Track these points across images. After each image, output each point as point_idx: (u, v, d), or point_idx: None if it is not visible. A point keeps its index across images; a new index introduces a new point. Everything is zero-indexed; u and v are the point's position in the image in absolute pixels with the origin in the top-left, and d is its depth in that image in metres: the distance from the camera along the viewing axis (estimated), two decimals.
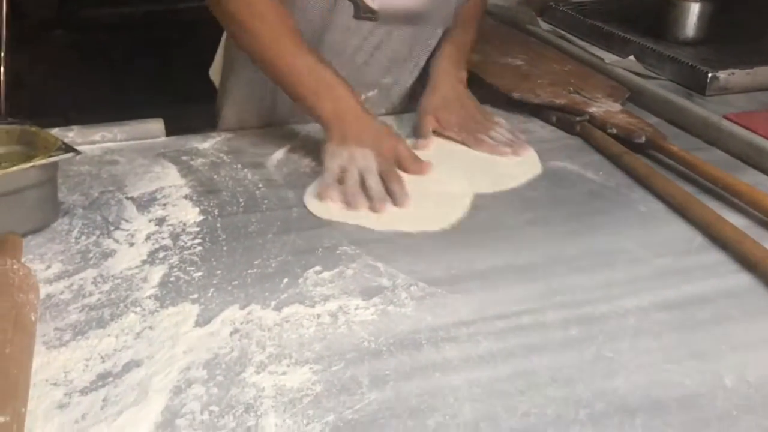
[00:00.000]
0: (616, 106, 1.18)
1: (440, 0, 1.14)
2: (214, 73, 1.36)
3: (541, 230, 0.88)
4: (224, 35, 1.31)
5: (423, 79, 1.21)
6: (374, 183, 0.93)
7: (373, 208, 0.90)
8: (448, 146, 1.10)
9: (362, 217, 0.89)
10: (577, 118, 1.14)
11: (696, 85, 1.28)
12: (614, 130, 1.10)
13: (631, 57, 1.37)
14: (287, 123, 1.18)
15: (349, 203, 0.91)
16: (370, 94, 1.21)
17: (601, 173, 1.02)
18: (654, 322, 0.71)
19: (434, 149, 1.08)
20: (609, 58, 1.40)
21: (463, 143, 1.09)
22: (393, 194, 0.92)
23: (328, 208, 0.91)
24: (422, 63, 1.22)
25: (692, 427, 0.59)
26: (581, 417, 0.59)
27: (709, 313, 0.73)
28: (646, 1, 1.67)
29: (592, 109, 1.16)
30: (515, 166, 1.03)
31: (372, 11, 1.11)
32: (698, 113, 1.16)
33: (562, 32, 1.59)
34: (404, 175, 0.96)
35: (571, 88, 1.25)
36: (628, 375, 0.64)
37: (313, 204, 0.92)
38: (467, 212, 0.91)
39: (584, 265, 0.80)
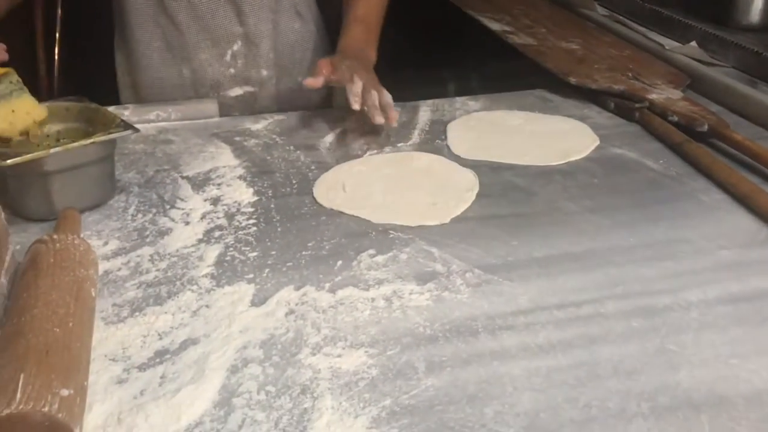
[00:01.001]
0: (677, 93, 1.15)
1: None
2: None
3: (600, 218, 0.85)
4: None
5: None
6: None
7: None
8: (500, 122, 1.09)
9: (362, 209, 0.87)
10: (637, 105, 1.11)
11: (761, 72, 1.23)
12: (675, 118, 1.06)
13: (693, 43, 1.33)
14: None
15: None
16: (235, 48, 1.21)
17: (661, 161, 0.99)
18: (718, 315, 0.69)
19: (487, 129, 1.07)
20: (669, 44, 1.36)
21: (338, 81, 1.05)
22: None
23: (331, 198, 0.89)
24: (277, 7, 1.21)
25: (761, 425, 0.57)
26: (644, 410, 0.58)
27: None
28: None
29: (652, 96, 1.13)
30: (574, 138, 1.04)
31: None
32: (763, 101, 1.12)
33: (620, 17, 1.55)
34: (408, 165, 0.98)
35: (630, 74, 1.22)
36: (692, 369, 0.62)
37: (318, 193, 0.91)
38: (470, 205, 0.88)
39: (645, 256, 0.78)
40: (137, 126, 1.06)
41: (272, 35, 1.23)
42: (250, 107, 1.25)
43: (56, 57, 2.06)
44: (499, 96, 1.21)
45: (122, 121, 0.86)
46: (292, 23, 1.25)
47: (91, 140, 0.81)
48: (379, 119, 1.00)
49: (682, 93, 1.16)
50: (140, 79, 1.24)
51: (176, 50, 1.20)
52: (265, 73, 1.25)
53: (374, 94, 1.02)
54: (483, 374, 0.61)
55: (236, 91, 1.24)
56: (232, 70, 1.22)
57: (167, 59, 1.21)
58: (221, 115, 1.14)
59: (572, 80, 1.18)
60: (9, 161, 0.77)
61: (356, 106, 1.01)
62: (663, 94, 1.14)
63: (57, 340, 0.54)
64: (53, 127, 0.91)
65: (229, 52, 1.21)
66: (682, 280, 0.74)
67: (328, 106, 1.28)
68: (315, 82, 1.04)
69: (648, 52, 1.36)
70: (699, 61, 1.29)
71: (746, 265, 0.77)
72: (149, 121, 1.10)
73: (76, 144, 0.80)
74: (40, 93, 2.14)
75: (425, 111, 1.15)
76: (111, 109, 1.10)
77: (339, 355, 0.63)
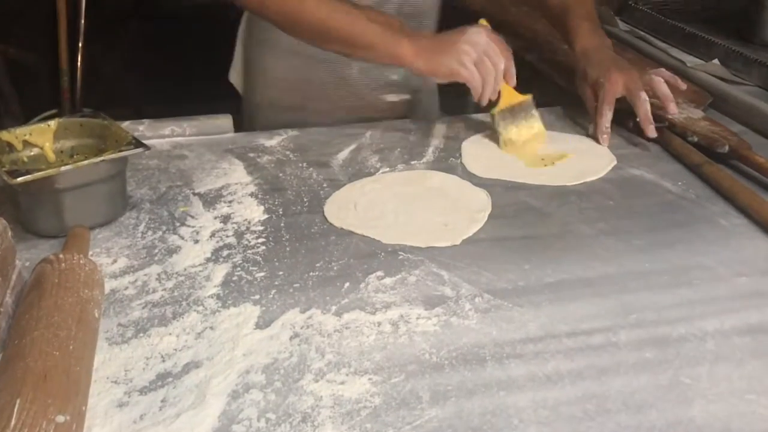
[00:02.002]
0: (698, 113, 1.12)
1: None
2: (235, 76, 1.34)
3: (615, 242, 0.84)
4: (239, 38, 1.30)
5: None
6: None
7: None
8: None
9: (373, 229, 0.85)
10: (656, 125, 1.09)
11: None
12: (695, 138, 1.04)
13: (715, 60, 1.31)
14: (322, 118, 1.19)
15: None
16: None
17: (680, 183, 0.97)
18: (735, 347, 0.67)
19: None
20: (691, 61, 1.34)
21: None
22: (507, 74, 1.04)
23: (342, 217, 0.88)
24: (435, 18, 1.24)
25: None
26: None
27: None
28: (732, 2, 1.59)
29: (672, 115, 1.10)
30: (591, 158, 1.04)
31: None
32: None
33: (641, 33, 1.53)
34: (421, 184, 0.97)
35: (650, 92, 1.19)
36: (706, 404, 0.60)
37: (329, 211, 0.90)
38: (482, 226, 0.87)
39: (660, 282, 0.76)
40: (151, 141, 1.07)
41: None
42: (403, 113, 1.26)
43: (79, 69, 2.09)
44: None
45: (134, 138, 0.86)
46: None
47: (101, 158, 0.81)
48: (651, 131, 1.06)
49: (704, 112, 1.13)
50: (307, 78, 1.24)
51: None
52: (426, 81, 1.27)
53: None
54: (488, 405, 0.60)
55: (392, 98, 1.26)
56: (395, 77, 1.23)
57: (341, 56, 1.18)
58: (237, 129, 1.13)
59: None
60: (19, 179, 0.77)
61: (651, 131, 1.07)
62: (683, 113, 1.11)
63: (56, 364, 0.54)
64: (67, 143, 0.92)
65: None
66: (698, 308, 0.72)
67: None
68: (648, 125, 1.07)
69: (669, 69, 1.33)
70: (721, 78, 1.27)
71: (765, 293, 0.75)
72: (164, 137, 1.10)
73: (86, 162, 0.80)
74: (62, 105, 2.18)
75: (440, 128, 1.14)
76: (126, 123, 1.11)
77: (342, 382, 0.62)
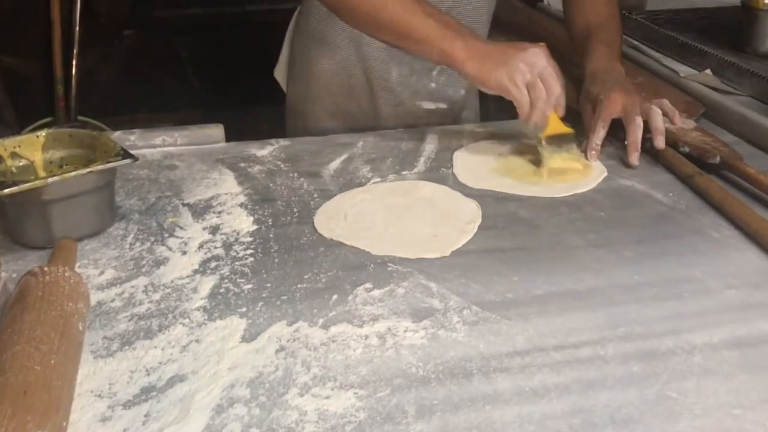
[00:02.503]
0: (690, 123, 1.12)
1: None
2: (280, 72, 1.36)
3: (605, 253, 0.83)
4: (288, 34, 1.32)
5: None
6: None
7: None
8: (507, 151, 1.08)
9: (362, 239, 0.85)
10: (648, 135, 1.09)
11: None
12: (687, 149, 1.04)
13: (708, 70, 1.31)
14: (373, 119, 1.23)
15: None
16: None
17: (671, 194, 0.97)
18: (723, 361, 0.66)
19: (494, 158, 1.06)
20: (684, 70, 1.34)
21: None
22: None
23: (332, 228, 0.88)
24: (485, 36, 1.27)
25: None
26: None
27: None
28: (725, 12, 1.59)
29: (664, 126, 1.10)
30: (582, 170, 1.04)
31: None
32: None
33: (635, 42, 1.53)
34: (411, 195, 0.96)
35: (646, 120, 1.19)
36: (693, 419, 0.60)
37: (318, 222, 0.89)
38: (472, 238, 0.86)
39: (649, 295, 0.76)
40: (142, 151, 1.08)
41: None
42: (440, 122, 1.27)
43: (73, 77, 2.09)
44: (507, 124, 1.19)
45: (122, 149, 0.86)
46: None
47: (89, 170, 0.81)
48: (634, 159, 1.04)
49: (696, 122, 1.13)
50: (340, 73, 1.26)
51: (394, 52, 1.19)
52: (463, 92, 1.29)
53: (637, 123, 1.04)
54: (474, 420, 0.59)
55: (429, 105, 1.28)
56: (433, 85, 1.24)
57: (383, 58, 1.23)
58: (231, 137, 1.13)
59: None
60: (6, 190, 0.77)
61: (634, 159, 1.04)
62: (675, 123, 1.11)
63: (37, 379, 0.54)
64: (56, 154, 0.91)
65: (438, 67, 1.25)
66: (686, 321, 0.72)
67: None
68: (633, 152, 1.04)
69: (662, 79, 1.34)
70: (714, 89, 1.27)
71: (755, 306, 0.74)
72: (155, 146, 1.10)
73: (73, 173, 0.80)
74: (57, 113, 2.18)
75: (432, 138, 1.14)
76: (117, 133, 1.12)
77: (327, 397, 0.62)
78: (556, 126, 1.03)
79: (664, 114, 1.07)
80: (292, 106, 1.34)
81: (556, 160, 1.03)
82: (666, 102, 1.09)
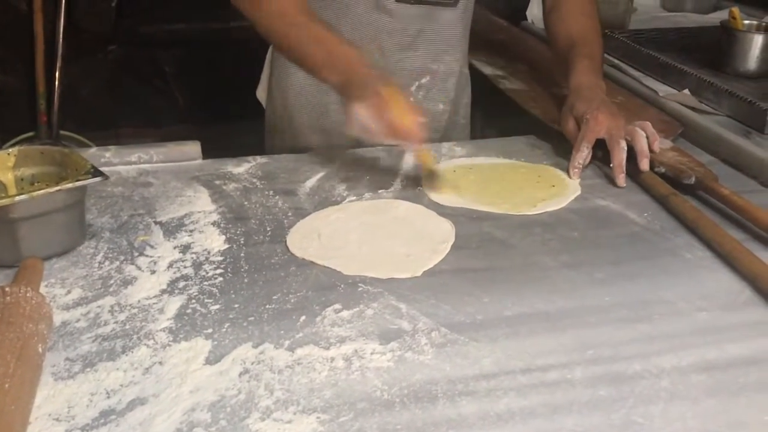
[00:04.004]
0: (667, 143, 1.12)
1: None
2: (261, 93, 1.36)
3: (577, 275, 0.83)
4: (269, 53, 1.32)
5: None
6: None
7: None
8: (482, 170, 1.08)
9: (334, 259, 0.85)
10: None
11: (755, 122, 1.21)
12: (663, 169, 1.04)
13: (686, 90, 1.31)
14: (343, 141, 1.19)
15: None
16: (423, 80, 1.26)
17: (645, 215, 0.97)
18: (691, 385, 0.66)
19: (468, 176, 1.05)
20: (663, 90, 1.35)
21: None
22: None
23: (304, 247, 0.87)
24: (464, 50, 1.30)
25: None
26: None
27: (753, 378, 0.67)
28: (707, 32, 1.61)
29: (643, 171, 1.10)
30: (555, 188, 1.04)
31: None
32: (754, 153, 1.09)
33: (616, 61, 1.53)
34: (385, 214, 0.96)
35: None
36: None
37: (291, 241, 0.89)
38: (445, 257, 0.86)
39: (619, 317, 0.76)
40: (118, 168, 1.07)
41: (458, 74, 1.30)
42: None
43: (56, 92, 2.08)
44: (485, 142, 1.19)
45: (93, 167, 0.85)
46: (464, 66, 1.33)
47: (58, 188, 0.80)
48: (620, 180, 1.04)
49: (673, 142, 1.14)
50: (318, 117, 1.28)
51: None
52: (441, 107, 1.30)
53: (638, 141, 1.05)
54: None
55: None
56: (411, 99, 1.23)
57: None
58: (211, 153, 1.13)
59: (558, 127, 1.16)
60: None
61: (621, 180, 1.04)
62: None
63: None
64: (27, 171, 0.91)
65: (416, 83, 1.26)
66: (655, 344, 0.71)
67: None
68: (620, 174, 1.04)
69: (641, 98, 1.34)
70: (692, 108, 1.27)
71: (724, 329, 0.74)
72: (131, 163, 1.09)
73: (41, 192, 0.79)
74: (39, 128, 2.17)
75: (410, 156, 1.13)
76: (92, 150, 1.11)
77: (289, 421, 0.61)
78: (428, 160, 1.04)
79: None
80: (270, 123, 1.34)
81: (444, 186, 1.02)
82: (649, 125, 1.09)
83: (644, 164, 1.03)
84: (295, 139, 1.28)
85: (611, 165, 1.05)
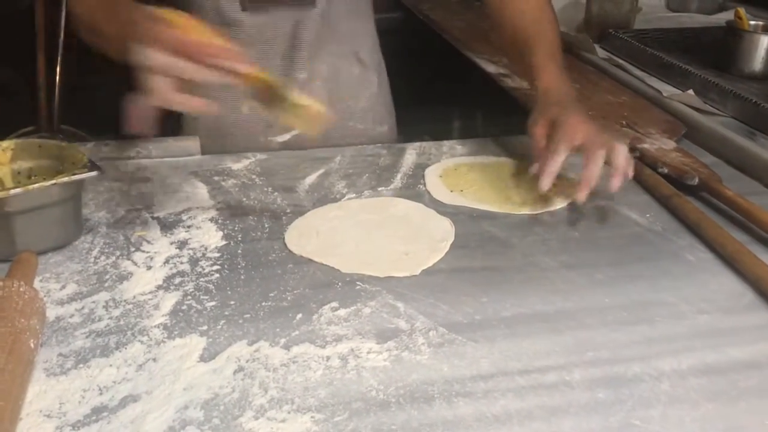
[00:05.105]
0: (670, 143, 1.11)
1: None
2: None
3: (577, 275, 0.82)
4: None
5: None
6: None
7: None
8: (483, 168, 1.06)
9: (332, 257, 0.84)
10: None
11: (760, 123, 1.20)
12: (665, 170, 1.03)
13: (690, 91, 1.30)
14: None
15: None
16: (318, 82, 1.17)
17: (647, 215, 0.96)
18: (691, 388, 0.65)
19: (469, 175, 1.04)
20: (667, 90, 1.34)
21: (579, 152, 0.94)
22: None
23: (302, 244, 0.86)
24: (337, 51, 1.18)
25: None
26: None
27: (755, 382, 0.66)
28: (711, 32, 1.60)
29: (644, 146, 1.10)
30: (555, 188, 0.98)
31: (257, 0, 1.09)
32: (758, 154, 1.08)
33: (620, 61, 1.52)
34: (385, 212, 0.93)
35: (624, 122, 1.19)
36: None
37: (289, 238, 0.88)
38: (443, 256, 0.85)
39: (619, 318, 0.75)
40: (116, 163, 1.06)
41: (330, 78, 1.19)
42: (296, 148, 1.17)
43: (57, 85, 2.07)
44: (487, 140, 1.18)
45: (89, 161, 0.84)
46: (352, 68, 1.22)
47: (53, 182, 0.79)
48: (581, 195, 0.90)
49: (676, 143, 1.13)
50: (202, 117, 1.17)
51: (234, 89, 0.94)
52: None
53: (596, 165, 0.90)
54: None
55: (284, 137, 1.18)
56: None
57: (227, 97, 1.05)
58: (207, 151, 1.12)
59: None
60: None
61: (581, 196, 0.90)
62: (655, 144, 1.11)
63: None
64: (25, 164, 0.90)
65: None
66: (655, 347, 0.70)
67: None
68: (585, 190, 0.90)
69: (645, 98, 1.33)
70: (696, 109, 1.26)
71: (725, 332, 0.73)
72: (129, 158, 1.09)
73: (36, 185, 0.79)
74: (39, 122, 2.17)
75: (411, 154, 1.13)
76: (92, 144, 1.10)
77: (283, 420, 0.60)
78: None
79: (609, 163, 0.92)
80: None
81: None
82: (625, 149, 0.93)
83: (616, 182, 0.91)
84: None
85: (581, 174, 0.91)
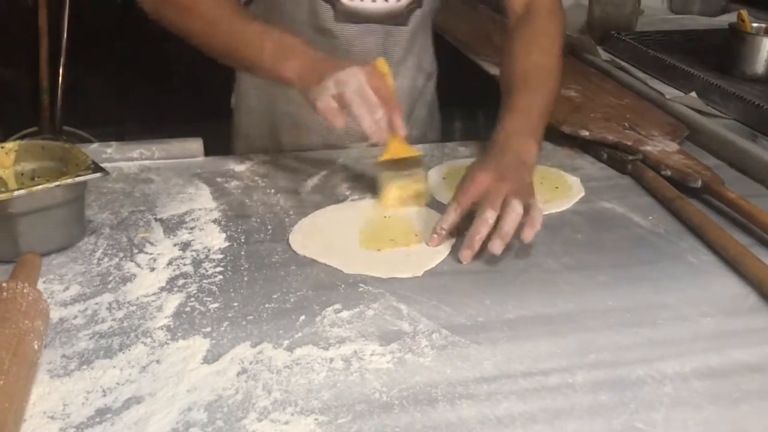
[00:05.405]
0: (673, 146, 1.11)
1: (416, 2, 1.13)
2: (234, 101, 1.33)
3: (580, 278, 0.82)
4: None
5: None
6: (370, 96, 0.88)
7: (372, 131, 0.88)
8: None
9: (335, 258, 0.84)
10: (630, 157, 1.08)
11: (762, 126, 1.20)
12: (668, 172, 1.03)
13: (693, 93, 1.30)
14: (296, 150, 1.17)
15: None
16: (399, 98, 1.18)
17: (650, 218, 0.96)
18: (694, 391, 0.65)
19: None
20: (669, 92, 1.33)
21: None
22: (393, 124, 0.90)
23: (305, 245, 0.87)
24: (415, 65, 1.21)
25: None
26: None
27: (757, 385, 0.66)
28: (714, 34, 1.60)
29: (647, 148, 1.10)
30: (558, 190, 1.01)
31: (351, 13, 1.10)
32: (760, 157, 1.08)
33: (623, 63, 1.52)
34: (388, 216, 0.93)
35: (627, 124, 1.19)
36: None
37: (293, 240, 0.88)
38: (445, 258, 0.85)
39: (622, 321, 0.75)
40: (119, 164, 1.06)
41: (405, 92, 1.20)
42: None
43: (60, 87, 2.08)
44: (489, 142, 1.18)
45: (93, 162, 0.85)
46: (418, 80, 1.24)
47: (57, 183, 0.80)
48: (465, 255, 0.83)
49: (679, 145, 1.13)
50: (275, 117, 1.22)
51: None
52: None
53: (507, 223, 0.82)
54: None
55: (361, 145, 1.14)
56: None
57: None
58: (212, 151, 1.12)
59: (565, 129, 1.15)
60: None
61: (464, 257, 0.84)
62: (658, 146, 1.10)
63: None
64: (28, 166, 0.90)
65: None
66: (658, 349, 0.70)
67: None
68: (466, 250, 0.83)
69: (648, 100, 1.33)
70: (699, 111, 1.26)
71: (728, 335, 0.73)
72: (132, 159, 1.09)
73: (40, 187, 0.79)
74: (41, 123, 2.17)
75: None
76: (95, 146, 1.10)
77: (286, 422, 0.60)
78: (397, 149, 0.93)
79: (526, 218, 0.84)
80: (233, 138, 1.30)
81: (393, 188, 0.94)
82: (539, 213, 0.84)
83: (494, 246, 0.81)
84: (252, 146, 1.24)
85: (465, 232, 0.84)
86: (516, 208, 0.83)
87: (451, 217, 0.86)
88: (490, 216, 0.83)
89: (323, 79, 0.89)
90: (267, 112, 1.23)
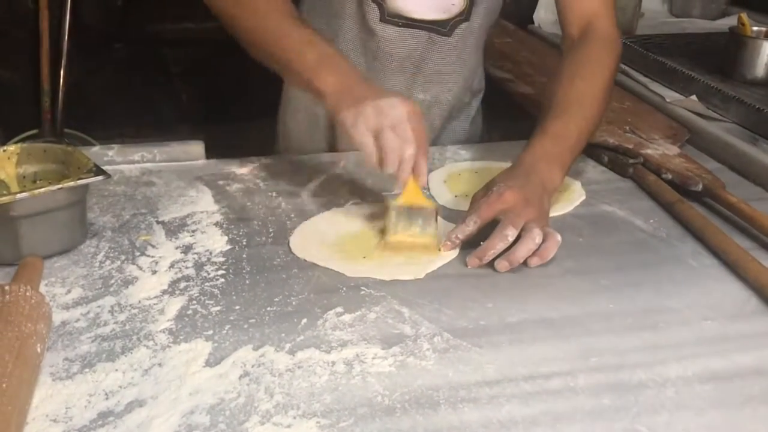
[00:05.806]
0: (674, 149, 1.11)
1: (469, 10, 1.13)
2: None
3: (581, 281, 0.82)
4: None
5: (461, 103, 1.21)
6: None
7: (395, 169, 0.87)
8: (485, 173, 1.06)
9: (337, 261, 0.84)
10: (631, 161, 1.08)
11: (763, 129, 1.20)
12: (669, 176, 1.03)
13: (693, 96, 1.30)
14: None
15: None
16: (435, 109, 1.20)
17: (651, 221, 0.96)
18: (696, 395, 0.65)
19: (471, 179, 1.04)
20: (670, 96, 1.34)
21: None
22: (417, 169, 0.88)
23: (307, 249, 0.87)
24: (460, 81, 1.20)
25: None
26: None
27: (759, 388, 0.66)
28: (714, 38, 1.60)
29: (648, 151, 1.10)
30: (558, 193, 0.98)
31: (396, 16, 1.10)
32: (761, 160, 1.08)
33: (624, 66, 1.52)
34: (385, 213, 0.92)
35: (627, 128, 1.19)
36: None
37: (294, 243, 0.88)
38: (448, 261, 0.85)
39: (624, 325, 0.75)
40: (121, 167, 1.07)
41: (445, 105, 1.21)
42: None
43: (61, 90, 2.08)
44: (491, 145, 1.18)
45: (95, 166, 0.85)
46: (464, 97, 1.24)
47: (59, 186, 0.80)
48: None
49: (680, 149, 1.13)
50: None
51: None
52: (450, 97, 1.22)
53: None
54: None
55: None
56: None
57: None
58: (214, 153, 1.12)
59: None
60: None
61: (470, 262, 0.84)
62: (659, 149, 1.11)
63: None
64: (30, 169, 0.90)
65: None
66: (660, 353, 0.70)
67: None
68: (473, 259, 0.84)
69: (648, 104, 1.33)
70: (700, 115, 1.26)
71: (731, 338, 0.73)
72: (134, 162, 1.09)
73: (42, 190, 0.79)
74: (42, 126, 2.17)
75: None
76: (96, 148, 1.11)
77: (289, 425, 0.60)
78: (413, 196, 0.89)
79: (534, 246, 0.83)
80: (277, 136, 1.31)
81: (402, 233, 0.88)
82: (555, 241, 0.85)
83: (500, 265, 0.82)
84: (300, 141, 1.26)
85: (481, 243, 0.84)
86: (535, 238, 0.83)
87: (470, 228, 0.85)
88: (510, 234, 0.83)
89: (360, 103, 0.87)
90: (311, 114, 1.23)
